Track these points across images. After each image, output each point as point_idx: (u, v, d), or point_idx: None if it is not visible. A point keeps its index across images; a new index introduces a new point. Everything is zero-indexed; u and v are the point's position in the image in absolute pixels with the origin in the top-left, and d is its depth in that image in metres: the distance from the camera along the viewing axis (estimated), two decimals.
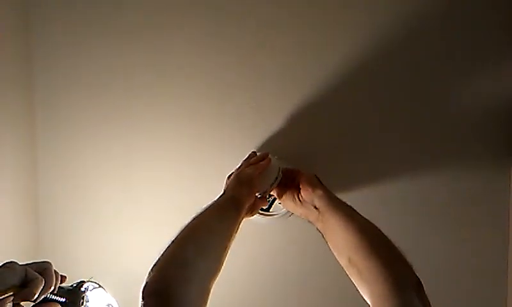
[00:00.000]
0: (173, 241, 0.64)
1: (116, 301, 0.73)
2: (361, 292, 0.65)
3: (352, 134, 0.95)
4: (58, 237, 1.05)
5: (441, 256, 0.93)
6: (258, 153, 0.92)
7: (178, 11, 0.96)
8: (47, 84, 1.02)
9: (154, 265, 0.59)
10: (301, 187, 0.82)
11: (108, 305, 0.70)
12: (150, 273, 0.59)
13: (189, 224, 0.67)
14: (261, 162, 0.86)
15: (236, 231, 0.74)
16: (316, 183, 0.82)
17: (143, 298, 0.56)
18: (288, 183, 0.87)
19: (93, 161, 1.02)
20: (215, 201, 0.75)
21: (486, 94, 0.89)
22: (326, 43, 0.92)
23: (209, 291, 0.62)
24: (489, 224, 0.91)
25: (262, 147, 0.96)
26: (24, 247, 1.02)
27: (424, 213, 0.94)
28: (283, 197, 0.86)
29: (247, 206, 0.79)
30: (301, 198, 0.82)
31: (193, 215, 0.69)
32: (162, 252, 0.61)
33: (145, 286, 0.57)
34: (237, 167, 0.90)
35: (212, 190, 0.94)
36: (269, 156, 0.88)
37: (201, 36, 0.96)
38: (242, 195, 0.78)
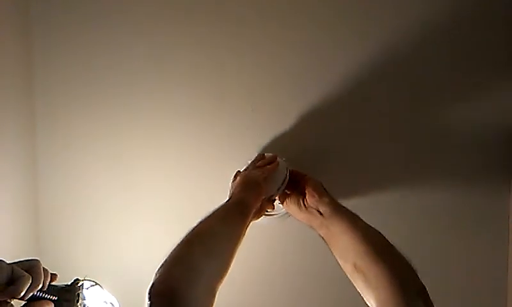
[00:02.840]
0: (180, 243, 0.63)
1: (117, 299, 0.70)
2: (365, 299, 0.66)
3: (354, 138, 0.94)
4: (58, 238, 1.06)
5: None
6: (266, 155, 0.91)
7: (179, 11, 0.95)
8: (47, 84, 1.03)
9: (161, 266, 0.59)
10: (306, 192, 0.82)
11: (106, 302, 0.67)
12: (156, 274, 0.58)
13: (196, 227, 0.67)
14: (268, 166, 0.86)
15: (243, 235, 0.74)
16: (322, 190, 0.82)
17: (149, 298, 0.56)
18: (293, 187, 0.86)
19: (93, 160, 1.02)
20: (222, 205, 0.75)
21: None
22: (328, 42, 0.91)
23: (215, 293, 0.62)
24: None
25: (263, 147, 0.95)
26: (23, 247, 1.02)
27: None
28: (287, 200, 0.86)
29: (254, 210, 0.78)
30: (306, 203, 0.82)
31: (200, 219, 0.69)
32: (168, 254, 0.61)
33: (152, 286, 0.57)
34: (244, 168, 0.90)
35: (211, 188, 0.96)
36: (278, 159, 0.88)
37: (201, 35, 0.95)
38: (249, 199, 0.77)
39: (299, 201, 0.83)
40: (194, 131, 0.98)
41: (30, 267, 0.59)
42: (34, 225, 1.05)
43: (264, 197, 0.83)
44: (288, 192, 0.86)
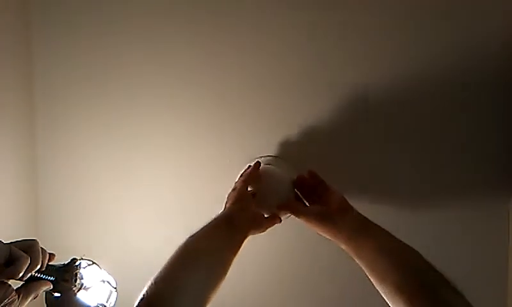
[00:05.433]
0: (168, 261, 0.64)
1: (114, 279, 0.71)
2: None
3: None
4: (58, 234, 1.08)
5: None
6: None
7: (179, 12, 0.96)
8: (47, 84, 1.04)
9: (149, 283, 0.60)
10: (330, 205, 0.79)
11: (103, 281, 0.68)
12: (144, 291, 0.59)
13: (184, 244, 0.67)
14: (247, 171, 0.85)
15: (237, 246, 0.72)
16: (347, 204, 0.79)
17: None
18: (314, 199, 0.84)
19: (93, 157, 1.04)
20: (211, 221, 0.73)
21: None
22: (328, 44, 0.91)
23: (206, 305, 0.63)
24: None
25: (262, 148, 0.96)
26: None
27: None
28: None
29: (244, 223, 0.76)
30: (329, 216, 0.77)
31: (190, 235, 0.69)
32: (157, 272, 0.61)
33: (139, 303, 0.57)
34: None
35: (208, 185, 0.98)
36: (261, 164, 0.87)
37: (201, 36, 0.95)
38: (234, 212, 0.76)
39: (321, 213, 0.78)
40: (196, 131, 0.98)
41: (28, 247, 0.59)
42: (33, 223, 1.07)
43: (264, 210, 0.82)
44: (307, 204, 0.83)
